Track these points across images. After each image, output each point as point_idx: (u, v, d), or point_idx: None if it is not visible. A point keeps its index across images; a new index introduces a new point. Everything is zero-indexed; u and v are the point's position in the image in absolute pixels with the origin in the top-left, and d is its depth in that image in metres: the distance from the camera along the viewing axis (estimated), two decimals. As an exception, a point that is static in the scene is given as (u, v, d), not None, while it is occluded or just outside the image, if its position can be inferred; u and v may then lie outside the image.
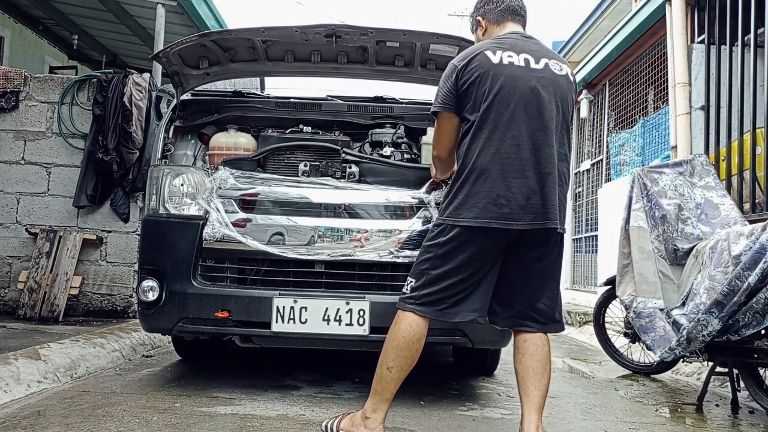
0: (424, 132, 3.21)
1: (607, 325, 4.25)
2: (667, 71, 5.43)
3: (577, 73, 8.13)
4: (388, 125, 3.27)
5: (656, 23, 5.86)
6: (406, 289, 2.16)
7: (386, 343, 2.13)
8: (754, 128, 4.21)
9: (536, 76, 2.11)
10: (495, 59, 2.11)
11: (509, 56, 2.12)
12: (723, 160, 4.59)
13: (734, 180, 4.42)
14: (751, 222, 3.23)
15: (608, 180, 7.36)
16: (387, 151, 3.13)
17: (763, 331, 2.77)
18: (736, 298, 2.67)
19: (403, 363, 2.10)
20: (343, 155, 3.03)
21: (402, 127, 3.24)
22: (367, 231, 2.77)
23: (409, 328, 2.10)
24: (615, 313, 4.13)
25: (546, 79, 2.11)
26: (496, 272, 2.14)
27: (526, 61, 2.13)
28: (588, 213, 8.14)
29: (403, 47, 3.23)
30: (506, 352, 2.84)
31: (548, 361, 2.11)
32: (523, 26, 2.30)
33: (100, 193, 4.75)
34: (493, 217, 2.03)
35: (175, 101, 3.27)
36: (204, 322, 2.72)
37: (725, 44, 4.70)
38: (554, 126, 2.10)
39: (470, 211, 2.05)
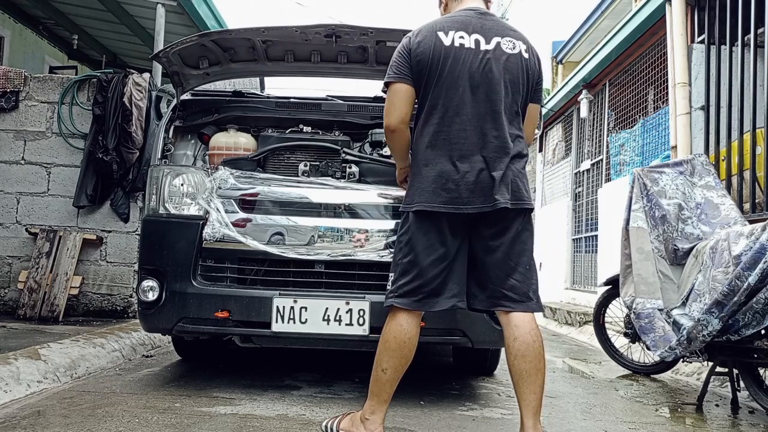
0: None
1: (607, 325, 4.25)
2: (667, 71, 5.43)
3: (576, 73, 8.13)
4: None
5: (656, 23, 5.86)
6: (389, 285, 2.17)
7: (379, 344, 2.13)
8: (754, 128, 4.21)
9: (485, 57, 2.10)
10: (447, 41, 2.12)
11: (461, 37, 2.12)
12: (723, 160, 4.59)
13: (734, 180, 4.42)
14: (751, 222, 3.23)
15: (608, 180, 7.36)
16: (387, 151, 3.13)
17: (763, 331, 2.77)
18: (736, 298, 2.67)
19: (397, 364, 2.09)
20: (343, 155, 3.03)
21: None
22: (367, 231, 2.77)
23: (399, 327, 2.10)
24: (615, 313, 4.14)
25: (495, 60, 2.10)
26: (465, 255, 2.13)
27: (477, 42, 2.12)
28: (588, 213, 8.14)
29: (403, 47, 3.23)
30: (506, 352, 2.84)
31: (541, 360, 2.06)
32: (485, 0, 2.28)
33: (100, 193, 4.75)
34: (441, 202, 2.05)
35: (175, 101, 3.27)
36: (204, 322, 2.72)
37: (725, 44, 4.70)
38: (503, 108, 2.09)
39: (421, 196, 2.09)
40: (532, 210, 2.15)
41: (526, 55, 2.16)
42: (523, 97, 2.17)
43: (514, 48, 2.14)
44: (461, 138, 2.07)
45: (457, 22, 2.17)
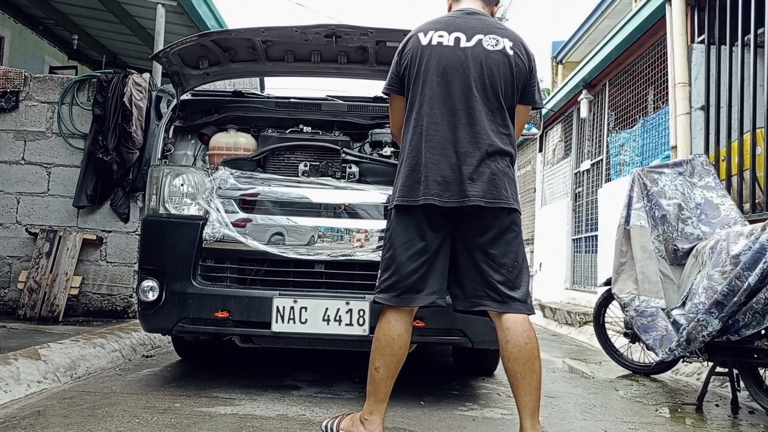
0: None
1: (607, 325, 4.25)
2: (667, 71, 5.43)
3: (576, 73, 8.13)
4: (387, 125, 3.27)
5: (656, 23, 5.86)
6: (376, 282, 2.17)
7: (372, 342, 2.13)
8: (754, 128, 4.21)
9: (464, 54, 2.11)
10: (424, 41, 2.16)
11: (440, 36, 2.15)
12: (723, 160, 4.59)
13: (734, 180, 4.42)
14: (751, 222, 3.23)
15: (608, 180, 7.36)
16: (387, 151, 3.13)
17: (763, 331, 2.77)
18: (736, 299, 2.67)
19: (389, 362, 2.08)
20: (343, 155, 3.03)
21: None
22: (367, 231, 2.77)
23: (388, 324, 2.10)
24: (615, 313, 4.13)
25: (473, 57, 2.10)
26: (447, 253, 2.12)
27: (457, 39, 2.13)
28: (588, 213, 8.15)
29: (403, 47, 3.23)
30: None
31: (535, 361, 2.03)
32: (485, 1, 2.28)
33: (100, 193, 4.75)
34: (414, 196, 2.07)
35: (175, 101, 3.27)
36: (204, 322, 2.72)
37: (725, 44, 4.70)
38: (479, 103, 2.08)
39: (399, 191, 2.12)
40: (515, 210, 2.11)
41: (510, 52, 2.13)
42: (509, 94, 2.14)
43: (497, 45, 2.13)
44: (433, 132, 2.08)
45: (440, 23, 2.19)
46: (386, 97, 2.35)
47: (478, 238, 2.08)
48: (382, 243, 2.68)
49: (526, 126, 2.89)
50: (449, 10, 2.33)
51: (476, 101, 2.09)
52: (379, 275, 2.16)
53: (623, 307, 3.59)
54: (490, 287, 2.07)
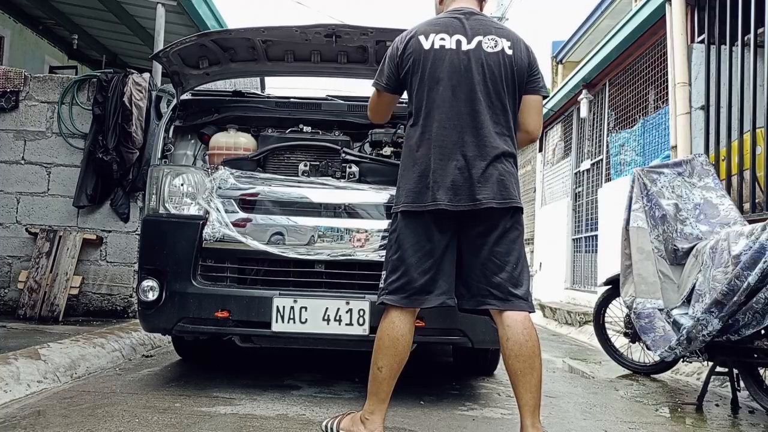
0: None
1: (607, 325, 4.25)
2: (667, 71, 5.43)
3: (576, 73, 8.13)
4: (387, 125, 3.27)
5: (656, 23, 5.86)
6: (381, 283, 2.18)
7: (375, 342, 2.14)
8: (754, 128, 4.21)
9: (466, 57, 2.12)
10: (426, 44, 2.16)
11: (441, 39, 2.16)
12: (723, 160, 4.59)
13: (734, 180, 4.42)
14: (751, 222, 3.23)
15: (608, 180, 7.37)
16: (387, 151, 3.13)
17: (762, 331, 2.77)
18: (735, 298, 2.67)
19: (392, 361, 2.09)
20: (343, 155, 3.03)
21: (402, 126, 3.24)
22: (367, 231, 2.77)
23: (392, 324, 2.10)
24: (615, 313, 4.14)
25: (475, 59, 2.12)
26: (453, 253, 2.13)
27: (458, 42, 2.14)
28: (588, 213, 8.14)
29: (403, 47, 3.23)
30: (506, 352, 2.83)
31: (536, 359, 2.04)
32: None
33: (100, 193, 4.75)
34: (423, 201, 2.08)
35: (175, 101, 3.27)
36: (204, 322, 2.72)
37: (725, 44, 4.70)
38: (484, 107, 2.10)
39: (407, 196, 2.12)
40: (520, 209, 2.13)
41: (509, 52, 2.15)
42: (510, 94, 2.16)
43: (495, 46, 2.15)
44: (441, 137, 2.10)
45: (439, 25, 2.19)
46: (377, 90, 2.33)
47: (484, 237, 2.10)
48: (382, 243, 2.70)
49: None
50: (441, 3, 2.34)
51: (480, 105, 2.10)
52: (384, 277, 2.16)
53: (628, 309, 3.59)
54: (494, 286, 2.09)
